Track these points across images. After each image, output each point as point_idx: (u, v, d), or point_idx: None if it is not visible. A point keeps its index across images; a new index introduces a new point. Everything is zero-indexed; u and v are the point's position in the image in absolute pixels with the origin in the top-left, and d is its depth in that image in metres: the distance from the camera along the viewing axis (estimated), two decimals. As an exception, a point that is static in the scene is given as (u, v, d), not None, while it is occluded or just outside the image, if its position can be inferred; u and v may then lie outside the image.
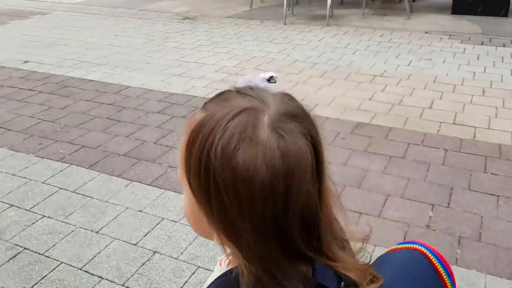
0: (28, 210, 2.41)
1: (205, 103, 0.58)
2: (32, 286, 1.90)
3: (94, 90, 4.01)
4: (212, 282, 0.60)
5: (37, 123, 3.39)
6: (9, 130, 3.29)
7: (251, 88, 0.58)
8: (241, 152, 0.50)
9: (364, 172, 2.70)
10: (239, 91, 0.57)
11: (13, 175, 2.73)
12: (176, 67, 4.57)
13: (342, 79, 4.15)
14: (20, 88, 4.04)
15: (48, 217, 2.35)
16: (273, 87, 0.60)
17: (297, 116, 0.55)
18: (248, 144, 0.51)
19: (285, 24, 6.13)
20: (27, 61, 4.79)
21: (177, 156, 0.59)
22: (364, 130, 3.19)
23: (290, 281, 0.54)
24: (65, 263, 2.02)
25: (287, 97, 0.58)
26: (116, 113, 3.53)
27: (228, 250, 0.58)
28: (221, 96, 0.58)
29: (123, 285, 1.90)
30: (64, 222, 2.31)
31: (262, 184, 0.50)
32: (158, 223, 2.27)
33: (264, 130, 0.51)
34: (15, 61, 4.79)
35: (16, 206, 2.44)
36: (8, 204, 2.46)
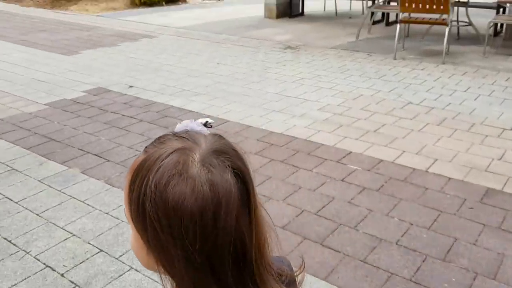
0: (117, 259, 2.25)
1: (146, 147, 0.64)
2: None
3: (192, 122, 3.89)
4: None
5: (135, 156, 3.31)
6: (108, 160, 3.24)
7: (186, 131, 0.64)
8: (172, 186, 0.57)
9: (500, 257, 2.21)
10: (175, 134, 0.64)
11: (106, 213, 2.62)
12: (276, 102, 4.34)
13: (465, 130, 3.64)
14: (123, 115, 4.05)
15: (136, 270, 2.17)
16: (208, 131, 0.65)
17: (225, 152, 0.61)
18: (178, 179, 0.57)
19: (395, 59, 5.69)
20: (132, 86, 4.85)
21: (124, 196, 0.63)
22: (497, 200, 2.68)
23: None
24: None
25: (217, 137, 0.64)
26: (213, 151, 3.36)
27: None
28: (160, 139, 0.64)
29: None
30: (152, 279, 2.11)
31: (192, 213, 0.56)
32: None
33: (194, 166, 0.58)
34: (121, 85, 4.88)
35: (105, 252, 2.30)
36: (98, 248, 2.33)
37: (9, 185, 2.90)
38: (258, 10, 10.03)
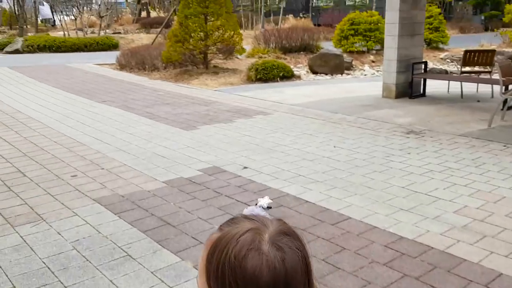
0: None
1: (220, 226, 0.80)
2: None
3: (309, 215, 3.59)
4: None
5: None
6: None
7: (254, 214, 0.80)
8: (249, 260, 0.71)
9: None
10: (246, 217, 0.79)
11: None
12: (403, 198, 3.90)
13: None
14: (237, 200, 3.89)
15: None
16: (270, 212, 0.94)
17: (288, 234, 0.76)
18: (254, 253, 0.71)
19: (541, 154, 4.97)
20: (246, 167, 4.74)
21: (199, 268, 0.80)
22: None
23: None
24: None
25: (281, 221, 0.79)
26: (333, 255, 2.99)
27: None
28: (233, 220, 0.80)
29: None
30: None
31: (267, 283, 0.70)
32: None
33: (265, 243, 0.73)
34: (235, 166, 4.80)
35: None
36: None
37: (122, 274, 2.79)
38: (374, 88, 9.77)
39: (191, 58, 12.24)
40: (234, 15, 12.63)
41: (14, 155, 5.25)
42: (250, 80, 11.07)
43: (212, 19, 11.83)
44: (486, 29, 28.28)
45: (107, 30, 26.09)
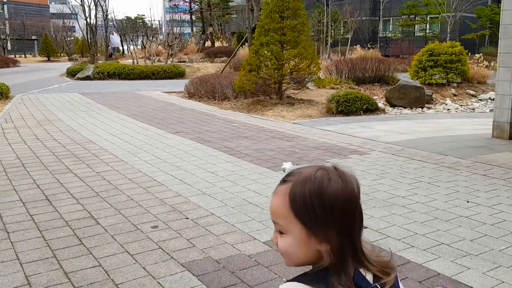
0: None
1: (283, 179, 1.00)
2: None
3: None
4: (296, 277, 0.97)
5: None
6: None
7: (301, 166, 1.03)
8: (329, 186, 0.94)
9: None
10: (300, 168, 1.02)
11: None
12: None
13: None
14: (369, 279, 2.91)
15: None
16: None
17: (342, 169, 1.00)
18: (330, 182, 0.95)
19: None
20: (365, 227, 3.75)
21: (278, 216, 0.98)
22: None
23: (346, 274, 0.94)
24: None
25: (329, 165, 1.02)
26: None
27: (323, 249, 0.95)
28: (293, 172, 1.01)
29: None
30: None
31: (344, 201, 0.95)
32: None
33: (334, 176, 0.96)
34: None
35: None
36: None
37: None
38: (476, 126, 8.54)
39: (263, 88, 11.54)
40: (312, 43, 11.85)
41: (85, 194, 4.58)
42: (330, 112, 10.14)
43: (288, 47, 11.12)
44: None
45: (173, 59, 26.30)
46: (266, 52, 11.18)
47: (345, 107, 10.03)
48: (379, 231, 3.65)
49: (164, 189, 4.76)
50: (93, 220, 3.90)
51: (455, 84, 14.83)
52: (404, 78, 14.57)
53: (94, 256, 3.22)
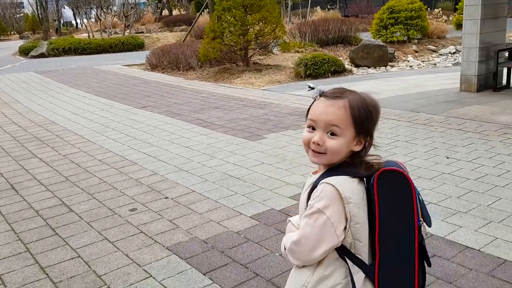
0: None
1: (335, 95, 1.31)
2: None
3: (486, 273, 2.51)
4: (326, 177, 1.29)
5: None
6: None
7: (335, 88, 1.36)
8: (375, 103, 1.30)
9: None
10: (341, 89, 1.34)
11: None
12: None
13: None
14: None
15: None
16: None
17: (370, 96, 1.33)
18: (368, 98, 1.29)
19: None
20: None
21: (339, 121, 1.27)
22: None
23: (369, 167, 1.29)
24: None
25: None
26: None
27: (356, 147, 1.30)
28: (342, 91, 1.32)
29: None
30: None
31: (376, 108, 1.30)
32: None
33: (367, 96, 1.30)
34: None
35: None
36: None
37: None
38: (444, 81, 8.59)
39: (229, 55, 11.22)
40: (276, 6, 11.53)
41: (54, 180, 4.30)
42: (298, 76, 9.98)
43: (252, 11, 10.77)
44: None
45: (130, 30, 25.31)
46: (229, 17, 10.81)
47: (313, 70, 9.88)
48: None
49: (138, 168, 4.53)
50: (66, 207, 3.66)
51: (416, 41, 14.89)
52: (366, 37, 14.51)
53: (72, 246, 3.01)
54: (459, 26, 16.55)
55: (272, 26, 10.86)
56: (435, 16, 18.37)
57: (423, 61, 13.02)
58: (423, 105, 6.70)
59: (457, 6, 17.50)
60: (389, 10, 14.52)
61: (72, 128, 6.38)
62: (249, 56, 11.25)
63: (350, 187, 1.23)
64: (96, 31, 26.38)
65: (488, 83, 7.56)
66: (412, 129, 5.47)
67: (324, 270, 1.25)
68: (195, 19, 19.07)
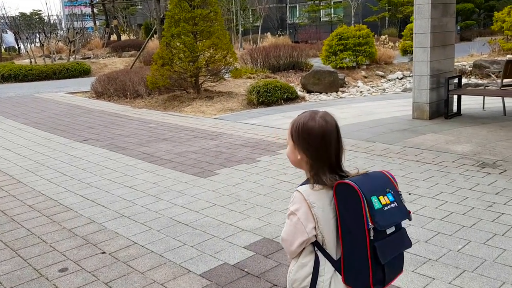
0: None
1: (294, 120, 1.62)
2: None
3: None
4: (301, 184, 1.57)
5: None
6: None
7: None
8: (308, 123, 1.53)
9: None
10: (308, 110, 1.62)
11: None
12: None
13: None
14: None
15: None
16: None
17: (329, 114, 1.57)
18: (310, 120, 1.53)
19: None
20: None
21: (287, 134, 1.60)
22: None
23: (327, 179, 1.51)
24: None
25: (325, 111, 1.60)
26: None
27: (306, 168, 1.58)
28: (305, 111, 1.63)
29: None
30: None
31: (317, 134, 1.52)
32: None
33: (317, 116, 1.54)
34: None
35: None
36: None
37: None
38: (395, 108, 8.60)
39: (179, 82, 10.84)
40: (227, 32, 11.31)
41: (-29, 233, 3.71)
42: (251, 104, 9.73)
43: (202, 37, 10.49)
44: (462, 39, 27.90)
45: (76, 56, 24.40)
46: (178, 44, 10.47)
47: (266, 98, 9.67)
48: (327, 242, 3.27)
49: (72, 215, 4.02)
50: (-18, 269, 3.10)
51: (365, 66, 15.15)
52: (316, 63, 14.61)
53: (-18, 324, 2.48)
54: (404, 52, 17.04)
55: (223, 52, 10.62)
56: (382, 42, 18.88)
57: (372, 87, 13.17)
58: (378, 134, 6.58)
59: (402, 33, 18.01)
60: (338, 36, 14.73)
61: (1, 167, 5.74)
62: (200, 83, 10.91)
63: (315, 194, 1.51)
64: (40, 56, 25.25)
65: (440, 110, 7.58)
66: (370, 160, 5.27)
67: (302, 259, 1.55)
68: (144, 45, 18.63)
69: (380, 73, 14.95)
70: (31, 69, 18.86)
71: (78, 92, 13.77)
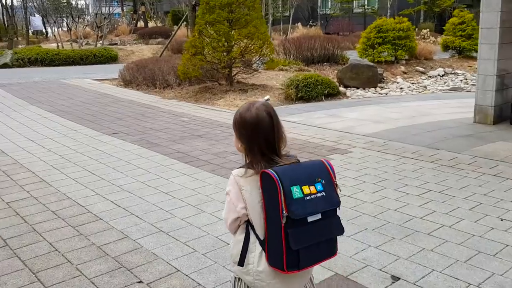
0: None
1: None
2: None
3: None
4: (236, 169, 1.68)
5: None
6: None
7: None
8: (243, 114, 1.63)
9: None
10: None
11: None
12: None
13: None
14: None
15: None
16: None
17: (265, 105, 1.64)
18: (245, 112, 1.63)
19: None
20: (397, 278, 2.71)
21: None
22: None
23: (258, 167, 1.59)
24: None
25: (266, 102, 1.68)
26: None
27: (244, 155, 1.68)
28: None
29: None
30: None
31: (252, 123, 1.61)
32: None
33: (253, 108, 1.63)
34: (370, 272, 2.76)
35: None
36: None
37: None
38: (451, 110, 7.82)
39: (211, 73, 10.22)
40: (264, 21, 10.62)
41: (-14, 246, 3.17)
42: (289, 99, 9.06)
43: (238, 26, 9.83)
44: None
45: (104, 42, 24.04)
46: (212, 32, 9.83)
47: (305, 93, 8.99)
48: (411, 280, 2.61)
49: (102, 226, 3.44)
50: (-6, 298, 2.55)
51: (404, 61, 14.31)
52: (351, 56, 13.83)
53: None
54: (446, 47, 16.09)
55: (259, 42, 9.94)
56: (422, 36, 17.91)
57: (412, 83, 12.36)
58: (440, 140, 5.84)
59: (443, 27, 17.02)
60: (377, 29, 13.91)
61: (24, 161, 5.23)
62: (233, 74, 10.28)
63: (245, 179, 1.62)
64: (67, 41, 25.00)
65: (504, 114, 6.79)
66: (439, 173, 4.56)
67: (238, 236, 1.67)
68: (173, 33, 18.07)
69: (420, 69, 14.08)
70: (58, 54, 18.52)
71: (106, 79, 13.30)
